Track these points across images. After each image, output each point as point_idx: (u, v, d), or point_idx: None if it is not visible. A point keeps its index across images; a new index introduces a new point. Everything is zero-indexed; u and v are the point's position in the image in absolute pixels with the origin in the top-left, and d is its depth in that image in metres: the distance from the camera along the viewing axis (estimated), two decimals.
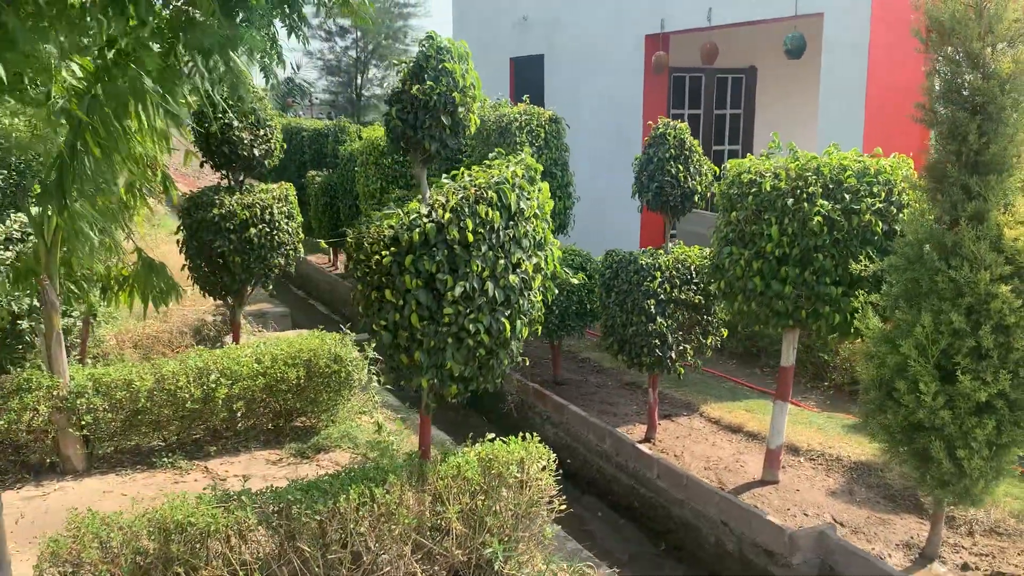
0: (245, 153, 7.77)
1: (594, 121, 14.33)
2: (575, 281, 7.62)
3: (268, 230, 7.96)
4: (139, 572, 4.17)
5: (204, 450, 7.31)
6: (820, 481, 7.02)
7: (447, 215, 4.52)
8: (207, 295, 8.41)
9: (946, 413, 5.06)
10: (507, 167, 4.80)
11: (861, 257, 5.90)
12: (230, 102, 7.71)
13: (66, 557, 4.07)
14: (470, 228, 4.50)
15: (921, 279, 5.17)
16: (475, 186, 4.64)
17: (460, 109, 4.98)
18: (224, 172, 8.21)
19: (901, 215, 5.91)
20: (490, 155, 5.15)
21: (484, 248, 4.59)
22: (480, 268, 4.59)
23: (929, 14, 5.05)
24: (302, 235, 8.51)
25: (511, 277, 4.73)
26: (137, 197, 6.65)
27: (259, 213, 7.89)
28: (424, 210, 4.61)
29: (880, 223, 5.91)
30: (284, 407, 7.57)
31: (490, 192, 4.60)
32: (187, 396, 6.97)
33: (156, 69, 4.61)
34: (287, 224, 8.19)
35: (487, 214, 4.57)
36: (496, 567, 4.85)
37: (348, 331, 7.79)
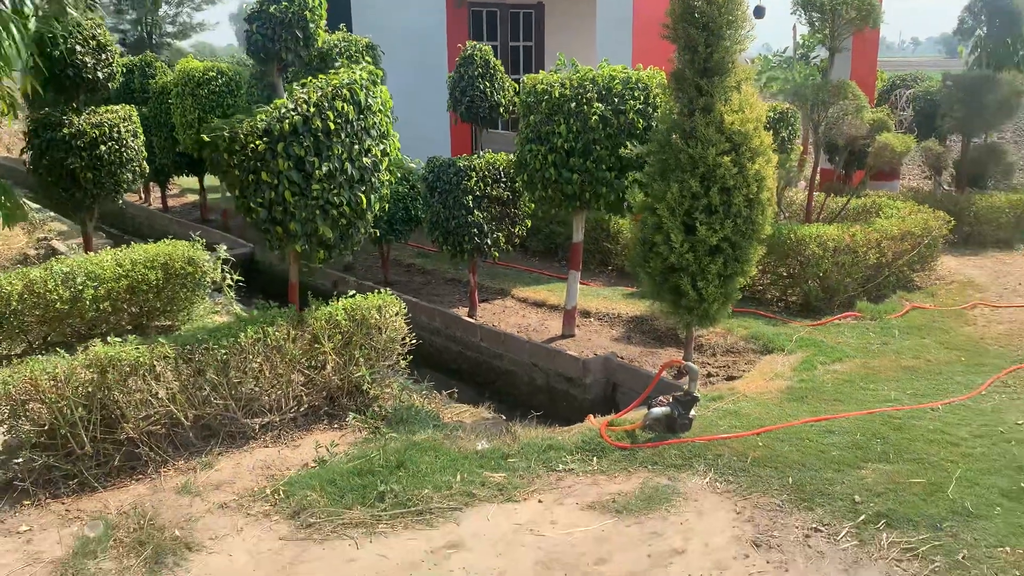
0: (89, 76, 8.37)
1: (402, 51, 15.41)
2: (413, 166, 8.92)
3: (117, 147, 8.63)
4: (81, 396, 5.16)
5: (73, 349, 8.02)
6: (606, 332, 8.86)
7: (311, 108, 5.70)
8: (58, 212, 8.96)
9: (690, 256, 6.84)
10: (354, 72, 6.02)
11: (629, 146, 7.62)
12: (71, 28, 8.29)
13: (21, 386, 4.98)
14: (332, 118, 5.71)
15: (669, 159, 6.88)
16: (331, 86, 5.83)
17: (311, 25, 6.11)
18: (64, 97, 8.70)
19: (656, 113, 7.65)
20: (336, 64, 6.34)
21: (343, 135, 5.82)
22: (340, 152, 5.82)
23: None
24: (145, 152, 9.20)
25: (364, 160, 6.01)
26: None
27: (107, 131, 8.54)
28: (291, 105, 5.75)
29: (641, 120, 7.65)
30: (146, 308, 8.39)
31: (344, 90, 5.82)
32: (56, 298, 7.66)
33: None
34: (133, 142, 8.87)
35: (343, 108, 5.80)
36: (364, 388, 6.21)
37: (198, 238, 8.68)
